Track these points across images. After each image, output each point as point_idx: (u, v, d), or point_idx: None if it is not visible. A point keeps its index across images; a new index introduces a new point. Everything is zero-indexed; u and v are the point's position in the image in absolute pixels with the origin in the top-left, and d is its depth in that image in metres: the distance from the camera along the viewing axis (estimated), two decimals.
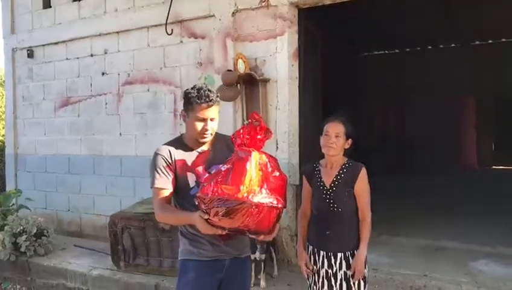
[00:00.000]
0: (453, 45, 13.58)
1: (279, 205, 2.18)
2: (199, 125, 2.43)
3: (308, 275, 2.92)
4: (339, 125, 2.81)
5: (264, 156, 2.26)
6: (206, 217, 2.15)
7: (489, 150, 14.99)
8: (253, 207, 2.08)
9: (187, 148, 2.50)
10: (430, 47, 13.92)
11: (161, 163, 2.44)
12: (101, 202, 6.30)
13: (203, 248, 2.45)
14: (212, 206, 2.11)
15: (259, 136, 2.26)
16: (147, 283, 4.62)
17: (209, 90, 2.43)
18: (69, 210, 6.67)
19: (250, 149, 2.22)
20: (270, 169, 2.23)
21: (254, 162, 2.17)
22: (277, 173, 2.26)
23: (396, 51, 14.41)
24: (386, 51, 14.56)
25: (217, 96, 2.47)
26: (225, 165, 2.19)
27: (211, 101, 2.41)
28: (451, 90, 13.05)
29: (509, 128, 15.15)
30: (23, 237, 5.38)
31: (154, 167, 2.45)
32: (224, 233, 2.22)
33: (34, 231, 5.50)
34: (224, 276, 2.50)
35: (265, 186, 2.15)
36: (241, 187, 2.08)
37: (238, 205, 2.07)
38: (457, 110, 13.98)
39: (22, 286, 5.33)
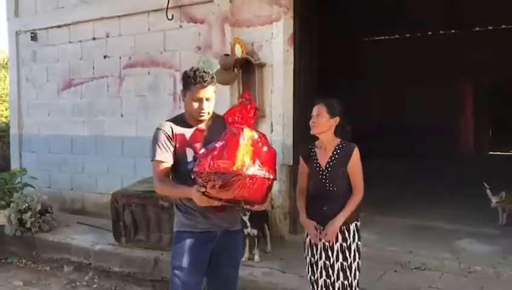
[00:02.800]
0: (452, 31, 13.65)
1: (271, 177, 2.38)
2: (195, 105, 2.60)
3: (307, 245, 3.11)
4: (320, 106, 2.97)
5: (254, 132, 2.45)
6: (203, 190, 2.32)
7: (487, 136, 15.12)
8: (248, 179, 2.27)
9: (187, 126, 2.66)
10: (430, 32, 13.98)
11: (162, 137, 2.59)
12: (103, 181, 6.52)
13: (196, 220, 2.61)
14: (208, 180, 2.28)
15: (250, 114, 2.44)
16: (147, 257, 4.84)
17: (204, 72, 2.59)
18: (72, 189, 6.90)
19: (243, 126, 2.41)
20: (260, 144, 2.42)
21: (246, 138, 2.35)
22: (267, 148, 2.45)
23: (396, 36, 14.47)
24: (386, 36, 14.63)
25: (212, 78, 2.63)
26: (219, 142, 2.37)
27: (205, 82, 2.57)
28: (450, 76, 13.14)
29: (507, 115, 15.27)
30: (28, 214, 5.58)
31: (155, 141, 2.60)
32: (219, 204, 2.40)
33: (39, 208, 5.71)
34: (215, 246, 2.66)
35: (257, 159, 2.34)
36: (236, 161, 2.26)
37: (234, 177, 2.25)
38: (455, 96, 14.10)
39: (27, 260, 5.53)
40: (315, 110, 2.99)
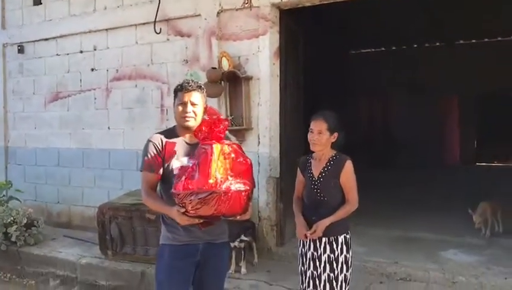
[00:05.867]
0: (437, 44, 13.90)
1: (247, 187, 2.43)
2: (179, 109, 2.68)
3: (298, 255, 3.15)
4: (321, 122, 3.01)
5: (226, 146, 2.49)
6: (183, 210, 2.38)
7: (471, 148, 15.31)
8: (223, 194, 2.34)
9: (177, 138, 2.71)
10: (415, 45, 14.22)
11: (152, 149, 2.65)
12: (89, 194, 6.49)
13: (177, 233, 2.64)
14: (186, 201, 2.35)
15: (217, 129, 2.50)
16: (133, 270, 4.83)
17: (192, 81, 2.72)
18: (58, 202, 6.85)
19: (212, 142, 2.46)
20: (233, 155, 2.47)
21: (217, 153, 2.41)
22: (241, 159, 2.50)
23: (382, 49, 14.70)
24: (372, 49, 14.84)
25: (200, 86, 2.72)
26: (191, 161, 2.44)
27: (190, 86, 2.68)
28: (435, 88, 13.34)
29: (492, 127, 15.50)
30: (14, 227, 5.53)
31: (145, 152, 2.67)
32: (201, 222, 2.45)
33: (24, 221, 5.66)
34: (199, 259, 2.68)
35: (230, 173, 2.40)
36: (209, 179, 2.32)
37: (209, 195, 2.32)
38: (441, 108, 14.29)
39: (13, 275, 5.47)
40: (315, 126, 3.02)
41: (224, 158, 2.42)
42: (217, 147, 2.44)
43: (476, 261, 4.69)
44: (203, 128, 2.51)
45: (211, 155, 2.39)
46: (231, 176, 2.39)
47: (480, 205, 5.43)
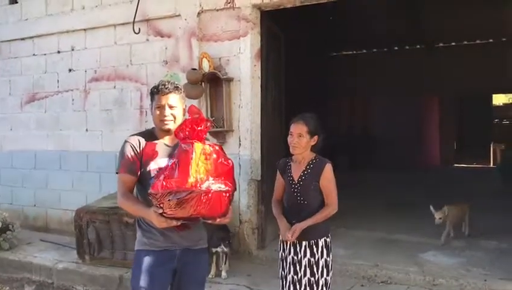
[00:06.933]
0: (418, 47, 14.06)
1: (228, 188, 2.35)
2: (157, 112, 2.59)
3: (279, 259, 3.11)
4: (301, 125, 2.96)
5: (207, 146, 2.40)
6: (160, 211, 2.28)
7: (451, 149, 15.52)
8: (203, 194, 2.24)
9: (155, 140, 2.62)
10: (396, 48, 14.35)
11: (129, 150, 2.55)
12: (67, 197, 6.36)
13: (154, 239, 2.55)
14: (164, 201, 2.24)
15: (199, 128, 2.40)
16: (111, 275, 4.73)
17: (168, 82, 2.62)
18: (35, 205, 6.71)
19: (194, 141, 2.37)
20: (214, 156, 2.38)
21: (198, 153, 2.32)
22: (222, 160, 2.41)
23: (364, 51, 14.81)
24: (354, 51, 14.94)
25: (176, 87, 2.63)
26: (171, 160, 2.35)
27: (166, 88, 2.58)
28: (416, 91, 13.49)
29: (471, 129, 15.76)
30: None
31: (122, 153, 2.57)
32: (178, 224, 2.36)
33: None
34: (177, 266, 2.59)
35: (212, 173, 2.31)
36: (188, 178, 2.23)
37: (188, 195, 2.22)
38: (421, 110, 14.47)
39: None
40: (295, 129, 2.97)
41: (206, 158, 2.34)
42: (198, 146, 2.35)
43: (456, 263, 4.70)
44: (185, 128, 2.41)
45: (192, 154, 2.30)
46: (212, 177, 2.30)
47: (445, 208, 5.29)
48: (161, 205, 2.27)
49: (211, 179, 2.29)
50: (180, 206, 2.24)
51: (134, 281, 2.58)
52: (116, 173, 2.60)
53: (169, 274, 2.60)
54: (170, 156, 2.50)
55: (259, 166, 5.19)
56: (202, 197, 2.25)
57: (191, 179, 2.23)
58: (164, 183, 2.23)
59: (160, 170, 2.37)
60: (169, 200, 2.23)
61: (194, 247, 2.63)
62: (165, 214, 2.29)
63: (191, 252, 2.62)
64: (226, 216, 2.44)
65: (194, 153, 2.31)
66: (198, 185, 2.23)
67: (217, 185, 2.29)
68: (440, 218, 5.24)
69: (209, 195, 2.26)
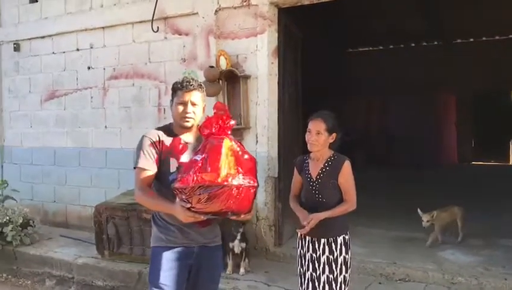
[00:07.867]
0: (435, 43, 13.90)
1: (256, 184, 2.37)
2: (180, 108, 2.59)
3: (297, 256, 3.12)
4: (319, 122, 2.96)
5: (233, 142, 2.41)
6: (188, 205, 2.27)
7: (469, 147, 15.34)
8: (234, 189, 2.24)
9: (174, 135, 2.62)
10: (413, 44, 14.22)
11: (147, 145, 2.55)
12: (86, 194, 6.44)
13: (172, 235, 2.56)
14: (193, 195, 2.24)
15: (226, 124, 2.41)
16: (130, 270, 4.78)
17: (192, 79, 2.62)
18: (54, 201, 6.81)
19: (222, 137, 2.38)
20: (240, 153, 2.39)
21: (227, 148, 2.33)
22: (247, 156, 2.43)
23: (381, 47, 14.70)
24: (371, 48, 14.84)
25: (200, 85, 2.64)
26: (200, 155, 2.33)
27: (191, 86, 2.58)
28: (433, 88, 13.35)
29: (488, 126, 15.54)
30: (9, 227, 5.48)
31: (140, 147, 2.56)
32: (205, 219, 2.36)
33: (20, 221, 5.61)
34: (194, 263, 2.60)
35: (240, 169, 2.32)
36: (220, 172, 2.23)
37: (220, 189, 2.22)
38: (438, 107, 14.31)
39: (8, 275, 5.42)
40: (314, 127, 2.97)
41: (233, 154, 2.35)
42: (227, 142, 2.36)
43: (474, 262, 4.66)
44: (212, 124, 2.41)
45: (222, 149, 2.31)
46: (241, 172, 2.31)
47: (434, 212, 5.16)
48: (189, 200, 2.26)
49: (240, 174, 2.30)
50: (211, 201, 2.24)
51: (153, 277, 2.58)
52: (134, 167, 2.58)
53: (186, 271, 2.61)
54: (191, 152, 2.51)
55: (276, 163, 5.19)
56: (233, 192, 2.25)
57: (223, 174, 2.23)
58: (195, 178, 2.22)
59: (182, 166, 2.37)
60: (199, 194, 2.23)
61: (210, 244, 2.65)
62: (193, 209, 2.29)
63: (207, 249, 2.63)
64: (250, 212, 2.44)
65: (224, 149, 2.32)
66: (230, 180, 2.24)
67: (246, 181, 2.30)
68: (428, 221, 5.13)
69: (240, 190, 2.27)
